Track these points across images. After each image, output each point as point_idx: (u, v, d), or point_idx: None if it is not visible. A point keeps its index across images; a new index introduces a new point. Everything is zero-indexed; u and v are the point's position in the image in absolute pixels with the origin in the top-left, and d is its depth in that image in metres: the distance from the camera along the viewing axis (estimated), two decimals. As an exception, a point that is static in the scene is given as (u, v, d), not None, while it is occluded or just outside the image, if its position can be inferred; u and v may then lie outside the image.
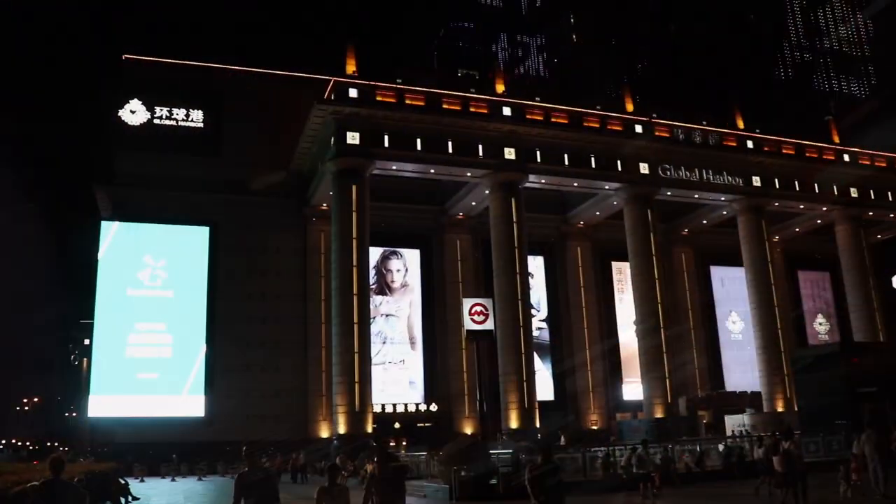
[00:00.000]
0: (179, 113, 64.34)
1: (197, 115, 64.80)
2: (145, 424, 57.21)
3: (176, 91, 64.48)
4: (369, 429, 52.19)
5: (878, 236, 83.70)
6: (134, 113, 63.09)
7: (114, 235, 60.92)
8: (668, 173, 64.89)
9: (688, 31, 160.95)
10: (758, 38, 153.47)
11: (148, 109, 63.59)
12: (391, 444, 58.28)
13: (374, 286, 63.96)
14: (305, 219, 65.09)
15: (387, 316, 66.41)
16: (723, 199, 68.85)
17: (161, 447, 55.71)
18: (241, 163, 63.42)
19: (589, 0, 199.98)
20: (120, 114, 62.78)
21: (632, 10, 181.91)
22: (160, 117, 63.85)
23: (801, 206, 73.39)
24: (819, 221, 76.87)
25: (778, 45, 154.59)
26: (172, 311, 61.01)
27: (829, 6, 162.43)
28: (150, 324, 60.40)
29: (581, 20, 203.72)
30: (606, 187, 64.30)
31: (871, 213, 75.14)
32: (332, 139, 55.60)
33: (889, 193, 75.54)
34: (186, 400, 59.60)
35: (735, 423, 58.46)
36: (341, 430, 51.56)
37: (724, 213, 71.65)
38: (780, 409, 62.71)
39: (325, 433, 59.25)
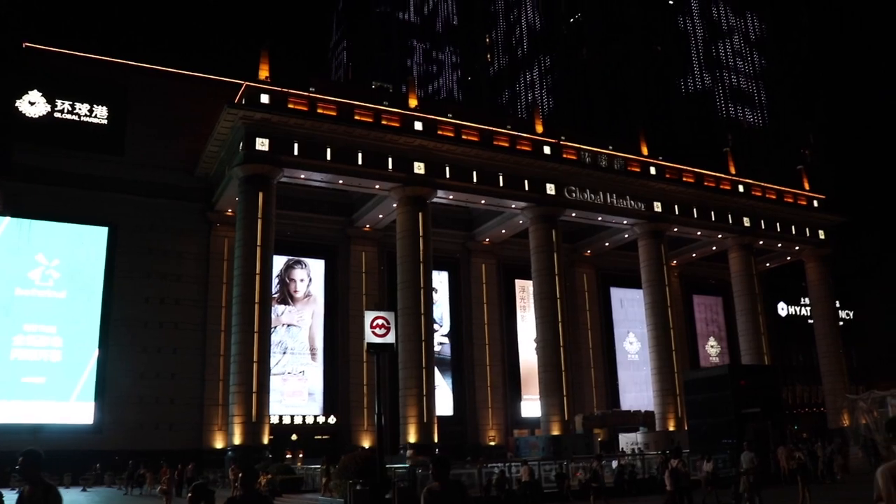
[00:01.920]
0: (83, 108, 61.98)
1: (101, 112, 62.53)
2: (28, 432, 54.26)
3: (80, 85, 62.04)
4: (265, 440, 51.39)
5: (767, 264, 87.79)
6: (33, 104, 60.36)
7: (3, 231, 58.17)
8: (574, 195, 66.41)
9: (599, 58, 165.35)
10: (664, 68, 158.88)
11: (48, 102, 60.91)
12: (288, 456, 57.52)
13: (276, 295, 63.14)
14: (210, 224, 63.75)
15: (288, 326, 65.60)
16: (625, 222, 70.93)
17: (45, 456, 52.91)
18: (146, 163, 61.72)
19: (504, 21, 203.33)
20: (17, 104, 59.95)
21: (545, 32, 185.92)
22: (62, 111, 61.28)
23: (699, 233, 76.32)
24: (714, 248, 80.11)
25: (682, 76, 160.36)
26: (64, 313, 58.59)
27: (729, 41, 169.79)
28: (39, 325, 57.79)
29: (495, 41, 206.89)
30: (513, 206, 65.34)
31: (761, 242, 78.68)
32: (241, 144, 54.72)
33: (778, 224, 79.33)
34: (75, 406, 57.24)
35: (629, 441, 60.21)
36: (236, 440, 50.56)
37: (626, 236, 73.83)
38: (671, 428, 64.80)
39: (219, 444, 57.97)
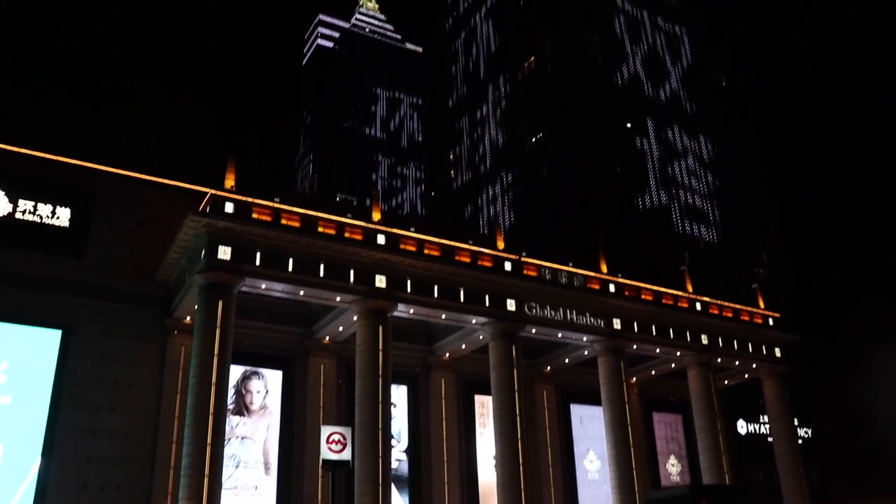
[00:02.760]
0: (45, 209, 61.25)
1: (64, 213, 61.88)
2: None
3: (45, 185, 61.24)
4: (212, 560, 49.18)
5: (726, 382, 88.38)
6: (-6, 204, 59.83)
7: (-50, 333, 56.45)
8: (535, 311, 66.91)
9: (560, 176, 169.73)
10: (622, 187, 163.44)
11: (11, 201, 60.00)
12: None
13: (231, 406, 61.68)
14: (167, 331, 62.64)
15: (242, 438, 63.79)
16: (585, 339, 71.31)
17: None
18: (105, 267, 60.98)
19: (468, 139, 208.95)
20: (-23, 204, 59.33)
21: (508, 150, 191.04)
22: (24, 211, 60.33)
23: (658, 350, 76.87)
24: (673, 365, 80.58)
25: (640, 194, 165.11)
26: (8, 419, 56.18)
27: (684, 161, 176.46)
28: (-21, 433, 55.46)
29: (459, 157, 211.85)
30: (473, 321, 65.49)
31: (719, 360, 79.47)
32: (203, 252, 54.61)
33: (735, 342, 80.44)
34: (11, 520, 54.46)
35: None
36: (181, 560, 48.34)
37: (586, 352, 74.05)
38: (631, 551, 63.39)
39: (163, 563, 55.37)
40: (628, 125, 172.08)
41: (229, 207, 56.27)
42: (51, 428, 57.14)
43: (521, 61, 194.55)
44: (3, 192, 60.15)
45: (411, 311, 62.86)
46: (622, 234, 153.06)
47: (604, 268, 74.55)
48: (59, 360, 58.92)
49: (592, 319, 70.14)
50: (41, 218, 61.11)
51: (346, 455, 30.48)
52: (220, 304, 54.13)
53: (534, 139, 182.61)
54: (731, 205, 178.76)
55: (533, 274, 68.01)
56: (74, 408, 57.66)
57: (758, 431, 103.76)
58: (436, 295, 62.29)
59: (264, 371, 66.44)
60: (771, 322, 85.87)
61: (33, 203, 61.02)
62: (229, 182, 58.50)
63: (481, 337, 67.46)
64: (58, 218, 61.60)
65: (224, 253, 54.78)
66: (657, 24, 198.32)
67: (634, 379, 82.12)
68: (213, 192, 57.20)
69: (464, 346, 71.66)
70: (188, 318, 60.50)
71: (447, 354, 73.53)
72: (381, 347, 58.44)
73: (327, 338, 67.33)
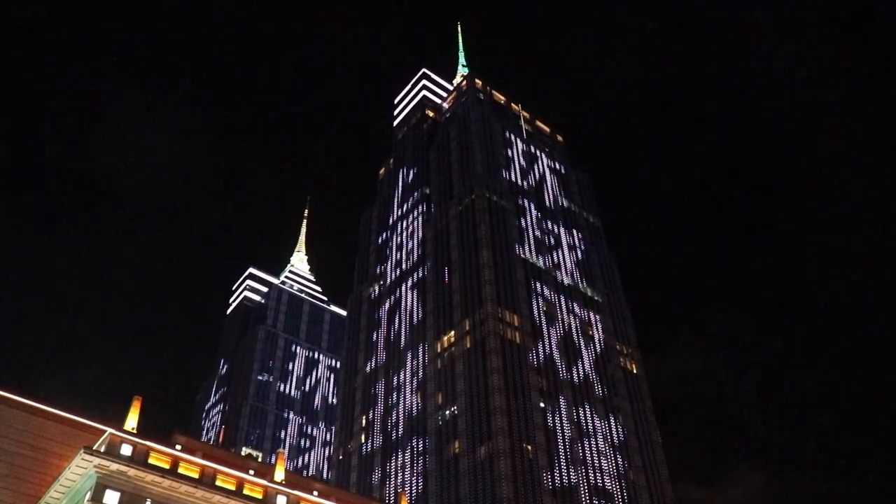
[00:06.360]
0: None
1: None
2: None
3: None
4: None
5: None
6: None
7: None
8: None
9: (471, 450, 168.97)
10: (533, 465, 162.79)
11: None
12: None
13: None
14: (30, 582, 57.08)
15: None
16: None
17: None
18: (-27, 504, 56.66)
19: (381, 405, 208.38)
20: None
21: (420, 420, 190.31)
22: None
23: None
24: None
25: (550, 473, 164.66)
26: None
27: (594, 440, 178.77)
28: None
29: (371, 421, 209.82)
30: None
31: None
32: (89, 494, 51.60)
33: None
34: None
35: None
36: None
37: None
38: None
39: None
40: (541, 404, 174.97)
41: (126, 449, 54.14)
42: None
43: (441, 334, 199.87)
44: None
45: (303, 579, 59.24)
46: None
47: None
48: None
49: None
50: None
51: None
52: (96, 556, 50.30)
53: (447, 412, 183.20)
54: (637, 488, 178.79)
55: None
56: None
57: None
58: (333, 565, 59.14)
59: None
60: None
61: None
62: (130, 422, 56.77)
63: None
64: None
65: (112, 497, 51.96)
66: (573, 310, 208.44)
67: None
68: (111, 430, 55.22)
69: None
70: (57, 568, 55.57)
71: None
72: None
73: None
